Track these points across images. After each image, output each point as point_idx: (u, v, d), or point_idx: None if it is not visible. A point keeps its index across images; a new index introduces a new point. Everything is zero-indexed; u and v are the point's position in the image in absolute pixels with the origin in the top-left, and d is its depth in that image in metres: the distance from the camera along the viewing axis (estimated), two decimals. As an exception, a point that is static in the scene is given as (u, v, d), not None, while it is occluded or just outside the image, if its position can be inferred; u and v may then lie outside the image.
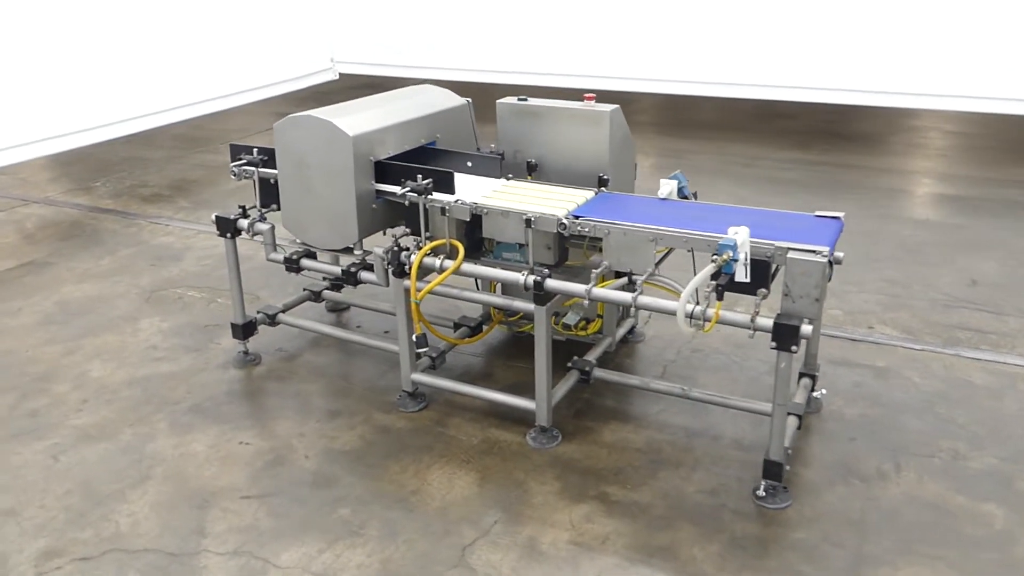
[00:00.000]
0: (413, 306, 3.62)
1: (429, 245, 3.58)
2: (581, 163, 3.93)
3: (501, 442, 3.64)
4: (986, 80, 7.60)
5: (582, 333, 4.12)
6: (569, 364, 3.81)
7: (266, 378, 4.20)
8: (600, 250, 3.79)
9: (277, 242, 4.03)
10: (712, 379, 4.07)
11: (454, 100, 4.22)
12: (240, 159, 4.02)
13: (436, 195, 3.58)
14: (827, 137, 8.51)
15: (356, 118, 3.68)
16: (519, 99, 4.06)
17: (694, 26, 8.48)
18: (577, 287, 3.33)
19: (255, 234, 4.03)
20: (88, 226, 6.34)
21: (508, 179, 3.91)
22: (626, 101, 4.17)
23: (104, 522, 3.21)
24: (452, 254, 3.59)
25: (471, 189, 3.70)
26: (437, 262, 3.56)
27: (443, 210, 3.55)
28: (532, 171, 4.04)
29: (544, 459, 3.53)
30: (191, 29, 8.29)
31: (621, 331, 4.29)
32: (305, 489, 3.38)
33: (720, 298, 3.01)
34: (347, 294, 4.79)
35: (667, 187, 3.63)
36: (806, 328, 2.96)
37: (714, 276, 2.98)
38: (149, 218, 6.44)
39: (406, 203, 3.64)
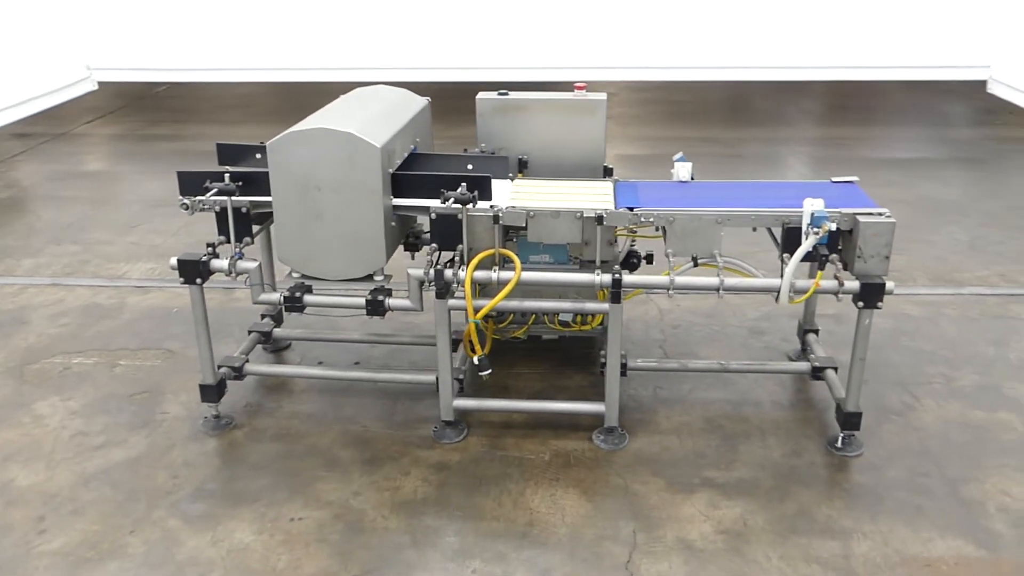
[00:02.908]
0: (471, 327, 3.30)
1: (478, 257, 3.29)
2: (575, 155, 3.84)
3: (573, 452, 3.47)
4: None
5: (586, 327, 4.03)
6: (603, 359, 3.72)
7: (258, 440, 3.58)
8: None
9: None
10: (711, 350, 4.21)
11: (419, 100, 3.89)
12: (208, 187, 3.35)
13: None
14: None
15: (365, 126, 3.25)
16: (500, 93, 3.85)
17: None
18: (660, 279, 3.27)
19: (238, 274, 3.39)
20: None
21: (511, 179, 3.71)
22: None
23: (200, 654, 2.57)
24: (502, 265, 3.33)
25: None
26: (493, 275, 3.29)
27: (496, 218, 3.27)
28: (523, 167, 3.86)
29: (626, 459, 3.43)
30: None
31: (610, 319, 4.26)
32: (410, 552, 2.96)
33: (822, 268, 3.14)
34: (287, 328, 4.23)
35: (684, 169, 3.67)
36: (890, 284, 3.20)
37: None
38: (-63, 280, 5.10)
39: (432, 216, 3.31)
